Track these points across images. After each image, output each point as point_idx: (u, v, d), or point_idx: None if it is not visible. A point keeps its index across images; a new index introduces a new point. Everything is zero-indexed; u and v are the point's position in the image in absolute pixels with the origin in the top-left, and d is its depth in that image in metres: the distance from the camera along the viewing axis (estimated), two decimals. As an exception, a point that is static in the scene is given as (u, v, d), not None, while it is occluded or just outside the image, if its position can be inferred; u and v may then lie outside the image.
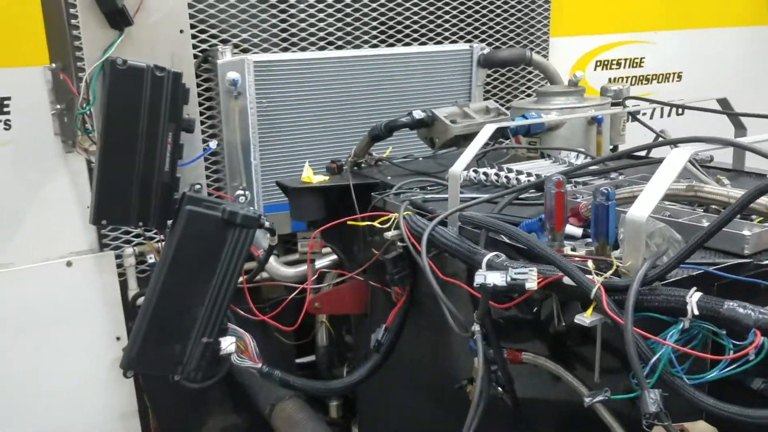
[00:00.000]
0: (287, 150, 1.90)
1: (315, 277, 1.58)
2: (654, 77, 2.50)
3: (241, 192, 1.80)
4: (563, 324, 0.94)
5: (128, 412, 1.88)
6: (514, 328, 1.17)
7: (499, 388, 1.08)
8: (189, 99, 1.14)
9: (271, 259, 1.84)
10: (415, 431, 1.63)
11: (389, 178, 1.55)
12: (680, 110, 2.45)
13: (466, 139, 1.59)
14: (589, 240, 0.93)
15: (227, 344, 1.25)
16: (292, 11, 1.90)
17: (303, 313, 1.41)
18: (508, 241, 1.00)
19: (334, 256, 1.79)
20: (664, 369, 0.74)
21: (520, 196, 1.21)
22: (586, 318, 0.79)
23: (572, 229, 1.00)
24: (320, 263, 1.79)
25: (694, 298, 0.74)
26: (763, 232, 0.90)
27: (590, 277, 0.80)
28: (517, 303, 0.98)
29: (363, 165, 1.70)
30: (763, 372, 0.92)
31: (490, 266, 0.93)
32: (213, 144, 1.24)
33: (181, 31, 1.13)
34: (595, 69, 2.38)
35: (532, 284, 0.84)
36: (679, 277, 0.83)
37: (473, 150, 1.13)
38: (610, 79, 2.39)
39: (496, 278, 0.87)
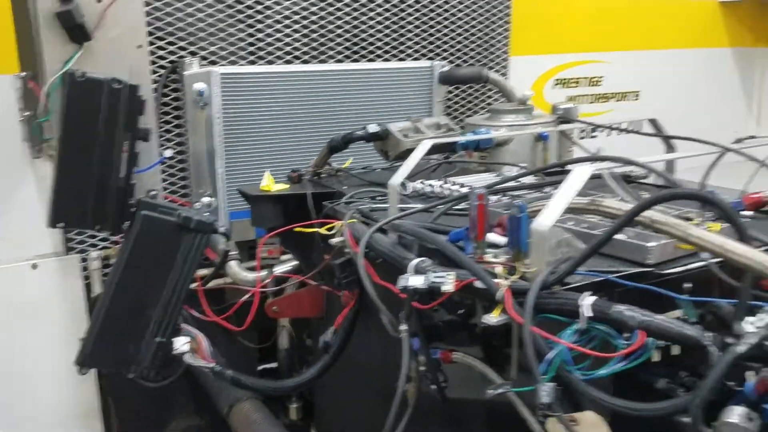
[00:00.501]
0: (253, 159, 1.97)
1: (268, 280, 1.65)
2: (612, 96, 2.61)
3: (207, 198, 1.89)
4: (484, 325, 1.01)
5: (90, 413, 1.92)
6: (449, 330, 1.24)
7: (433, 386, 1.15)
8: (145, 110, 1.21)
9: (234, 263, 1.90)
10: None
11: (345, 187, 1.63)
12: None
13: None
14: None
15: (180, 344, 1.31)
16: (260, 26, 1.98)
17: (252, 314, 1.47)
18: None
19: (296, 262, 1.86)
20: (559, 365, 0.81)
21: (458, 207, 1.29)
22: (492, 318, 0.87)
23: (497, 238, 1.07)
24: (280, 268, 1.86)
25: (586, 301, 0.81)
26: (667, 244, 0.99)
27: (497, 281, 0.88)
28: (444, 306, 1.05)
29: (323, 175, 1.78)
30: (668, 374, 1.00)
31: (417, 270, 1.01)
32: (168, 152, 1.31)
33: (139, 46, 1.20)
34: (554, 87, 2.48)
35: (448, 287, 0.92)
36: (582, 283, 0.92)
37: (411, 163, 1.21)
38: (568, 97, 2.49)
39: (417, 281, 0.95)
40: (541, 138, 1.73)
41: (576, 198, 0.90)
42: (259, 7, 1.96)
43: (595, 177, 1.22)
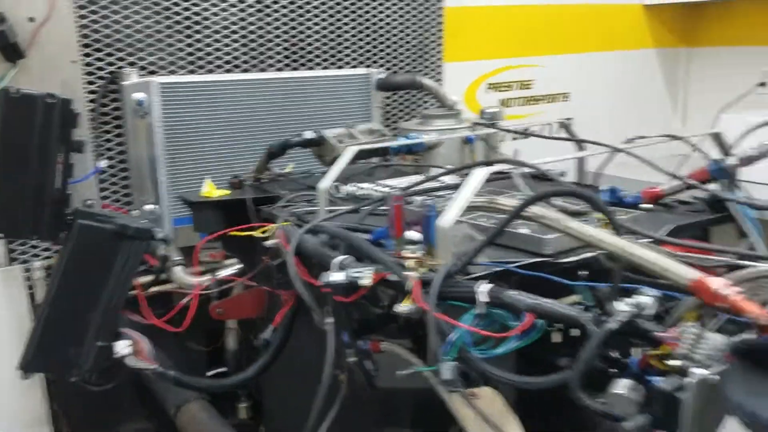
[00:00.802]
0: (196, 166, 2.02)
1: (209, 283, 1.71)
2: (542, 98, 2.75)
3: (150, 206, 1.93)
4: (399, 314, 1.10)
5: (38, 420, 1.94)
6: (381, 322, 1.33)
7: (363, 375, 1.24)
8: (79, 123, 1.26)
9: (179, 268, 1.95)
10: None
11: (284, 192, 1.70)
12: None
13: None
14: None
15: (121, 347, 1.36)
16: (199, 36, 2.03)
17: (191, 316, 1.53)
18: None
19: (240, 265, 1.92)
20: (461, 346, 0.91)
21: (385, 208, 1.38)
22: (403, 306, 0.96)
23: (416, 235, 1.16)
24: (225, 272, 1.91)
25: (481, 288, 0.91)
26: (562, 237, 1.09)
27: (408, 273, 0.97)
28: (368, 299, 1.14)
29: (264, 180, 1.85)
30: (571, 354, 1.11)
31: (341, 267, 1.09)
32: (103, 163, 1.35)
33: (73, 62, 1.25)
34: (487, 91, 2.61)
35: (365, 281, 1.00)
36: (485, 272, 1.02)
37: (338, 168, 1.29)
38: (501, 101, 2.62)
39: (339, 277, 1.03)
40: (468, 141, 1.84)
41: (477, 197, 1.00)
42: (197, 18, 2.01)
43: (507, 177, 1.33)
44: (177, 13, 1.98)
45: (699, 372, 0.75)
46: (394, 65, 2.37)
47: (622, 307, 0.85)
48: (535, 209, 0.93)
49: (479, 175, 0.97)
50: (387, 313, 1.27)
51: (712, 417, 0.77)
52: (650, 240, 1.08)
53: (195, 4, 2.01)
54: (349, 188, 1.56)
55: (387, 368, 1.31)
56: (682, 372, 0.80)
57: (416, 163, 1.84)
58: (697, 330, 0.79)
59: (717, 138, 1.21)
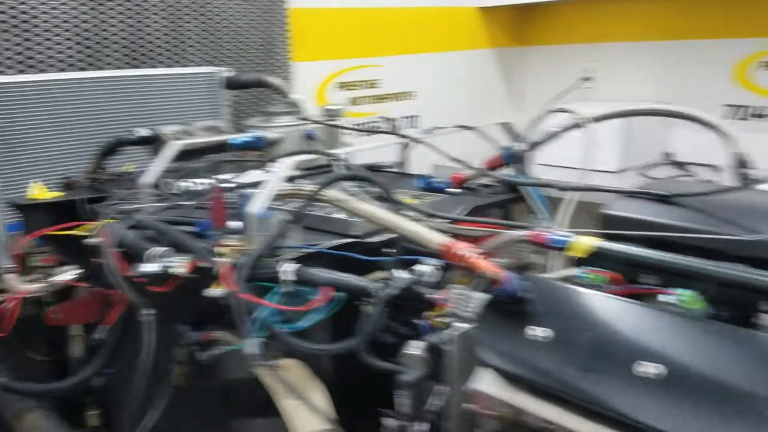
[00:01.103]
0: (31, 169, 1.93)
1: (37, 287, 1.66)
2: (389, 96, 2.90)
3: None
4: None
5: None
6: (214, 313, 1.37)
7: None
8: None
9: (11, 276, 1.86)
10: (169, 428, 1.77)
11: (119, 191, 1.68)
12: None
13: (190, 154, 1.78)
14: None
15: (-61, 357, 1.30)
16: (28, 34, 1.95)
17: (11, 321, 1.49)
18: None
19: (79, 269, 1.87)
20: (267, 322, 0.98)
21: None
22: (214, 291, 1.02)
23: (238, 225, 1.22)
24: (63, 276, 1.86)
25: (284, 268, 0.99)
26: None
27: (220, 259, 1.03)
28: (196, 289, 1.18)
29: (101, 180, 1.81)
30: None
31: (159, 258, 1.13)
32: None
33: None
34: (337, 89, 2.71)
35: (178, 269, 1.05)
36: (299, 254, 1.10)
37: (160, 164, 1.32)
38: (351, 99, 2.74)
39: (154, 267, 1.07)
40: (309, 136, 1.92)
41: (288, 185, 1.08)
42: (26, 16, 1.94)
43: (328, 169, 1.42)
44: (3, 12, 1.90)
45: (458, 326, 0.88)
46: (243, 64, 2.41)
47: (402, 274, 0.96)
48: (333, 193, 1.03)
49: (284, 164, 1.05)
50: (218, 303, 1.32)
51: (472, 365, 0.89)
52: (448, 220, 1.22)
53: (23, 3, 1.93)
54: (184, 184, 1.59)
55: (227, 360, 1.36)
56: (450, 328, 0.92)
57: (259, 159, 1.89)
58: (462, 291, 0.92)
59: (506, 127, 1.38)
